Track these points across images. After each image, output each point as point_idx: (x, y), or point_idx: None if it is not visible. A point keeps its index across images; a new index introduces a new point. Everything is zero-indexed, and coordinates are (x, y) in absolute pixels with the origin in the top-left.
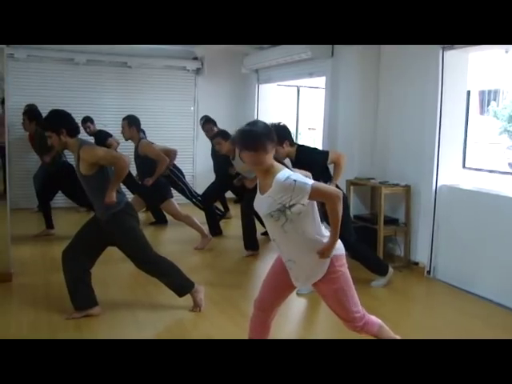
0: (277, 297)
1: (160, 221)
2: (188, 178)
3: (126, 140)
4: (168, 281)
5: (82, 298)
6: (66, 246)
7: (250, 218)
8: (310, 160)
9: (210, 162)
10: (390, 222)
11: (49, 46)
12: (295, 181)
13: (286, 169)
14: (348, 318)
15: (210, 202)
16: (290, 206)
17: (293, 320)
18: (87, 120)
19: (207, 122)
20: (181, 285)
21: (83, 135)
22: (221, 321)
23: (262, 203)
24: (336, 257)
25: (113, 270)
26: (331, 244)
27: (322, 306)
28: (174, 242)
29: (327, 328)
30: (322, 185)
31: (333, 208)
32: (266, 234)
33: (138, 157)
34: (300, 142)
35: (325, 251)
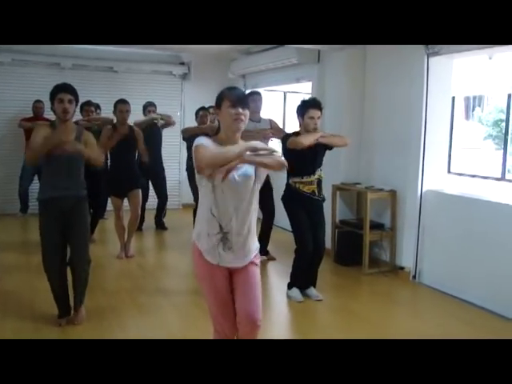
0: (234, 315)
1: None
2: (174, 184)
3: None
4: (84, 288)
5: (68, 303)
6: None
7: None
8: None
9: None
10: (376, 226)
11: (34, 50)
12: None
13: None
14: (259, 312)
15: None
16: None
17: (279, 324)
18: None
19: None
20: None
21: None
22: (207, 326)
23: (247, 167)
24: (258, 253)
25: (98, 275)
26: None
27: (307, 311)
28: (160, 248)
29: (314, 330)
30: None
31: None
32: None
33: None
34: None
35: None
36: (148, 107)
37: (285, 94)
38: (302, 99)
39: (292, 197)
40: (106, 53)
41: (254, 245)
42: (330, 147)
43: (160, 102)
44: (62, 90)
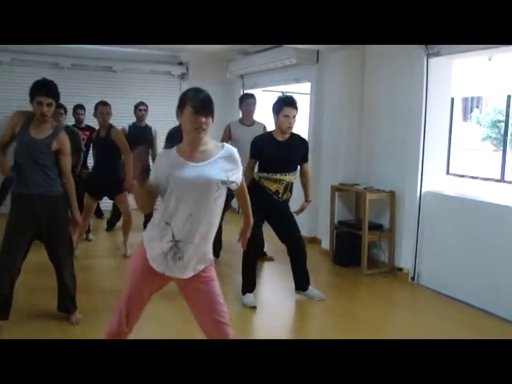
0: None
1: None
2: None
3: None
4: (71, 293)
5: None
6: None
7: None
8: None
9: None
10: (375, 227)
11: (33, 49)
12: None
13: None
14: (226, 312)
15: None
16: (231, 182)
17: (277, 325)
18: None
19: None
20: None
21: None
22: None
23: (207, 170)
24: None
25: (94, 275)
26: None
27: (305, 311)
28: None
29: (312, 331)
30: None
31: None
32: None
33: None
34: None
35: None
36: (139, 106)
37: (283, 94)
38: (278, 96)
39: (253, 190)
40: (105, 53)
41: (208, 256)
42: (305, 159)
43: (158, 101)
44: (43, 93)
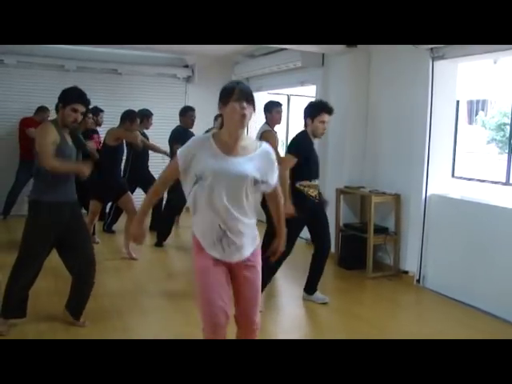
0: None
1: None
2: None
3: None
4: (86, 294)
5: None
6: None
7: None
8: None
9: None
10: (380, 230)
11: (39, 52)
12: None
13: None
14: (258, 315)
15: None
16: (263, 182)
17: (283, 326)
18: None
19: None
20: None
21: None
22: None
23: (246, 166)
24: (258, 250)
25: (100, 276)
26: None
27: (310, 314)
28: (162, 250)
29: (318, 333)
30: None
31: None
32: None
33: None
34: None
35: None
36: (151, 116)
37: (288, 97)
38: (315, 101)
39: (300, 204)
40: (111, 55)
41: (256, 240)
42: None
43: (164, 104)
44: (81, 102)
